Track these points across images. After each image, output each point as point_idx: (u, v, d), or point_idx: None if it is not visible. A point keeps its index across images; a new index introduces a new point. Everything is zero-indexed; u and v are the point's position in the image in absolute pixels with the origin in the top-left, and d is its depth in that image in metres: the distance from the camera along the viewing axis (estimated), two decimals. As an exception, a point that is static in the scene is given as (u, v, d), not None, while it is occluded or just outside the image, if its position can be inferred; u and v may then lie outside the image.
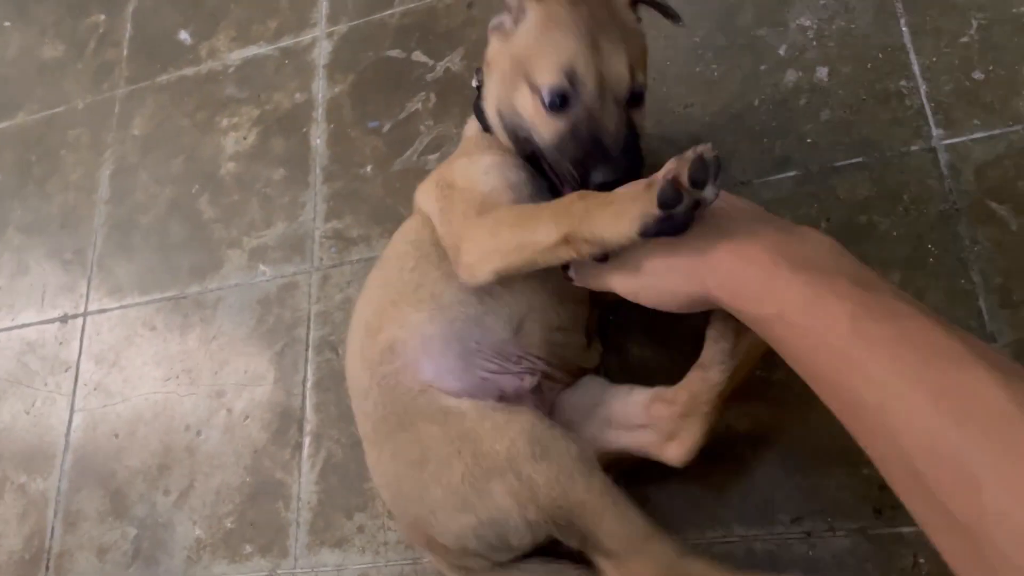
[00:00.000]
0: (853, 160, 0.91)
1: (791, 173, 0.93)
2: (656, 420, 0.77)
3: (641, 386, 0.80)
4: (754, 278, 0.53)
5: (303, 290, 1.13)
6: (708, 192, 0.55)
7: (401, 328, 0.77)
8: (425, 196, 0.83)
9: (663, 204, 0.55)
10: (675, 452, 0.76)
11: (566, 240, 0.63)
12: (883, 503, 0.77)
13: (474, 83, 0.87)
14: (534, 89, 0.74)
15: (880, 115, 0.92)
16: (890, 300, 0.47)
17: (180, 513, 1.07)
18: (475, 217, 0.73)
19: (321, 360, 1.08)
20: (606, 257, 0.63)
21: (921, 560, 0.75)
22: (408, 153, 1.16)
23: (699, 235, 0.57)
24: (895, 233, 0.87)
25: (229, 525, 1.04)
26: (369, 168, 1.17)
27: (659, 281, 0.61)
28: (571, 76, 0.71)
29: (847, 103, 0.94)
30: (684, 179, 0.55)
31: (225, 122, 1.30)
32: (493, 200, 0.74)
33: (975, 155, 0.87)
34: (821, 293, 0.49)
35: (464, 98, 1.15)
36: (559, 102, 0.72)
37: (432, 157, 1.14)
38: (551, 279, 0.70)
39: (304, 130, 1.24)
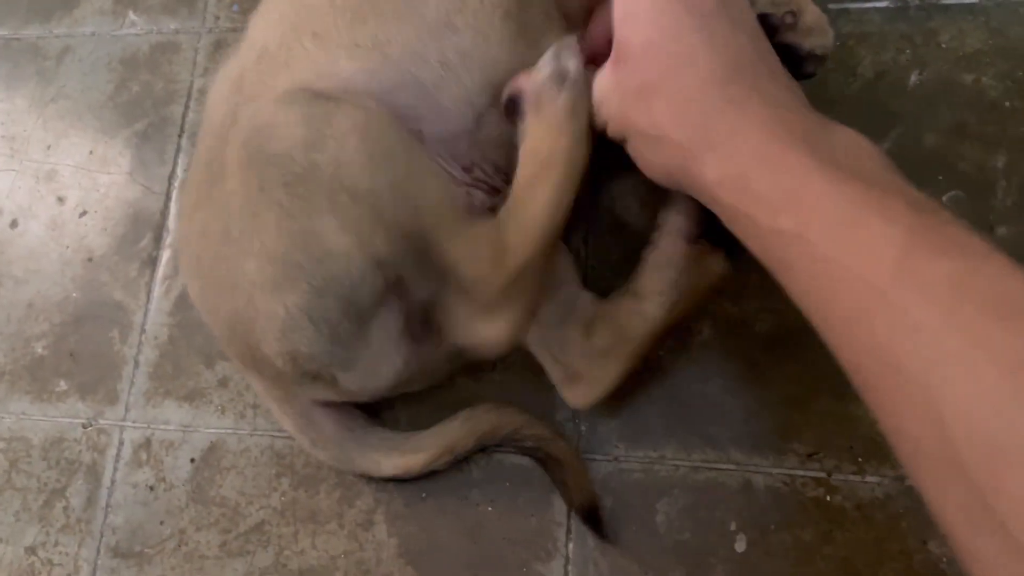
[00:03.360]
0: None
1: (881, 3, 0.69)
2: (566, 346, 0.58)
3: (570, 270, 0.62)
4: (776, 174, 0.38)
5: (186, 55, 0.82)
6: None
7: (319, 76, 0.49)
8: None
9: None
10: (577, 395, 0.59)
11: None
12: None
13: None
14: None
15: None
16: (957, 231, 0.33)
17: (-22, 330, 0.78)
18: None
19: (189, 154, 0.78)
20: None
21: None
22: None
23: (709, 81, 0.40)
24: (1008, 104, 0.64)
25: (40, 351, 0.76)
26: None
27: (652, 118, 0.43)
28: None
29: None
30: None
31: None
32: None
33: None
34: (865, 212, 0.35)
35: None
36: None
37: None
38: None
39: None
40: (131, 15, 0.85)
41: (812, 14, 0.51)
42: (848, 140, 0.39)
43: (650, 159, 0.44)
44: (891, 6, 0.69)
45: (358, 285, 0.46)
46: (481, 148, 0.53)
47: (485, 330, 0.50)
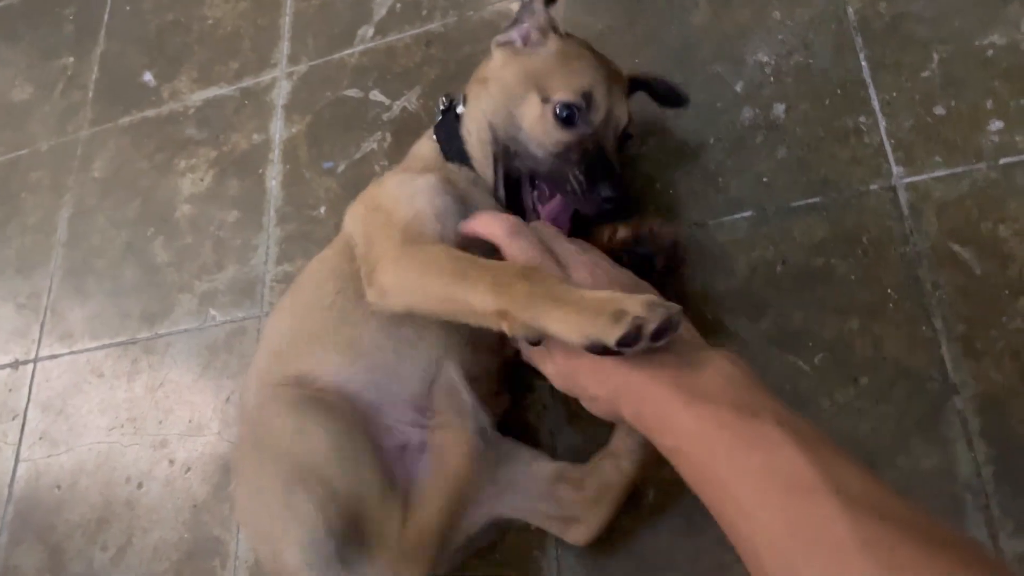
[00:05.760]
0: (810, 200, 0.87)
1: (746, 214, 0.89)
2: (561, 501, 0.76)
3: (544, 456, 0.79)
4: (656, 410, 0.55)
5: (252, 335, 1.10)
6: (661, 343, 0.56)
7: (317, 366, 0.74)
8: (351, 216, 0.83)
9: (622, 343, 0.55)
10: (579, 535, 0.76)
11: (502, 315, 0.61)
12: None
13: (441, 105, 0.90)
14: (545, 100, 0.78)
15: (838, 153, 0.88)
16: (767, 428, 0.49)
17: (116, 570, 1.02)
18: (399, 242, 0.71)
19: (265, 409, 1.03)
20: (539, 342, 0.62)
21: None
22: (362, 194, 1.12)
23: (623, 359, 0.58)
24: (853, 277, 0.82)
25: (165, 585, 0.99)
26: (323, 210, 1.14)
27: (585, 387, 0.62)
28: (588, 98, 0.78)
29: (804, 141, 0.90)
30: (649, 329, 0.55)
31: (183, 163, 1.28)
32: (417, 227, 0.72)
33: (936, 194, 0.83)
34: (706, 426, 0.51)
35: (417, 136, 1.12)
36: (569, 115, 0.77)
37: (386, 198, 1.10)
38: (465, 329, 0.66)
39: (260, 171, 1.21)
40: (211, 311, 1.14)
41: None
42: (708, 366, 0.56)
43: (592, 407, 0.64)
44: (754, 215, 0.89)
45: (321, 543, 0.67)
46: (436, 399, 0.74)
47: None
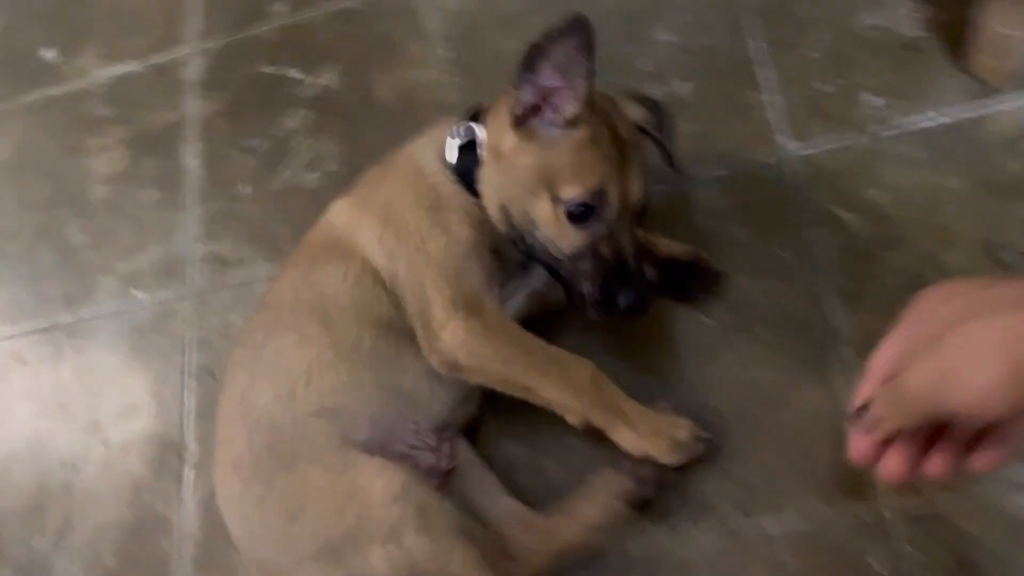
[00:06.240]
0: (715, 173, 0.95)
1: (656, 187, 0.96)
2: (508, 540, 0.82)
3: (506, 492, 0.86)
4: None
5: (180, 316, 1.11)
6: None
7: (352, 399, 0.78)
8: (369, 236, 0.82)
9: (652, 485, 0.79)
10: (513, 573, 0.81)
11: (573, 412, 0.76)
12: (748, 503, 0.81)
13: (456, 137, 0.82)
14: (556, 199, 0.76)
15: (738, 128, 0.97)
16: None
17: (58, 553, 1.03)
18: (460, 306, 0.76)
19: (201, 388, 1.05)
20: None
21: (784, 556, 0.79)
22: (286, 173, 1.14)
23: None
24: (750, 239, 0.91)
25: (110, 563, 1.00)
26: (247, 188, 1.15)
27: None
28: (600, 195, 0.75)
29: (707, 117, 0.98)
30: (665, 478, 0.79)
31: (95, 143, 1.26)
32: (472, 293, 0.78)
33: (822, 164, 0.92)
34: None
35: (343, 117, 1.14)
36: (582, 214, 0.75)
37: (313, 176, 1.13)
38: None
39: (177, 150, 1.21)
40: (135, 292, 1.14)
41: None
42: None
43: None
44: (664, 188, 0.96)
45: None
46: (450, 428, 0.84)
47: None
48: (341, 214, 0.86)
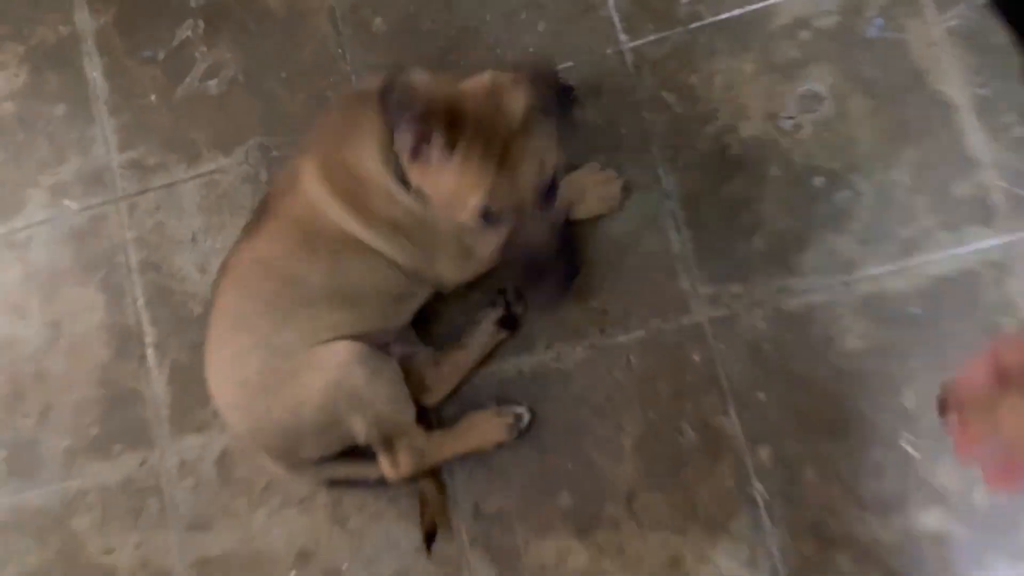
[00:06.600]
0: (566, 64, 1.16)
1: (520, 78, 1.17)
2: (424, 375, 1.09)
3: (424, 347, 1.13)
4: None
5: (114, 219, 1.25)
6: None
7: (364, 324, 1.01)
8: (371, 231, 0.95)
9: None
10: (429, 399, 1.10)
11: None
12: (604, 323, 1.09)
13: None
14: (463, 214, 0.86)
15: (583, 24, 1.17)
16: None
17: (45, 430, 1.21)
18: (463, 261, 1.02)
19: (147, 280, 1.22)
20: None
21: (632, 358, 1.09)
22: (188, 80, 1.26)
23: None
24: (599, 122, 1.14)
25: (94, 432, 1.20)
26: (153, 97, 1.26)
27: None
28: (487, 212, 0.85)
29: (557, 15, 1.17)
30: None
31: (-11, 60, 1.31)
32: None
33: (650, 55, 1.15)
34: None
35: (235, 24, 1.25)
36: (489, 221, 0.86)
37: (212, 82, 1.25)
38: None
39: (77, 64, 1.29)
40: (66, 201, 1.26)
41: None
42: None
43: None
44: (526, 79, 1.16)
45: (349, 443, 1.02)
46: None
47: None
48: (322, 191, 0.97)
